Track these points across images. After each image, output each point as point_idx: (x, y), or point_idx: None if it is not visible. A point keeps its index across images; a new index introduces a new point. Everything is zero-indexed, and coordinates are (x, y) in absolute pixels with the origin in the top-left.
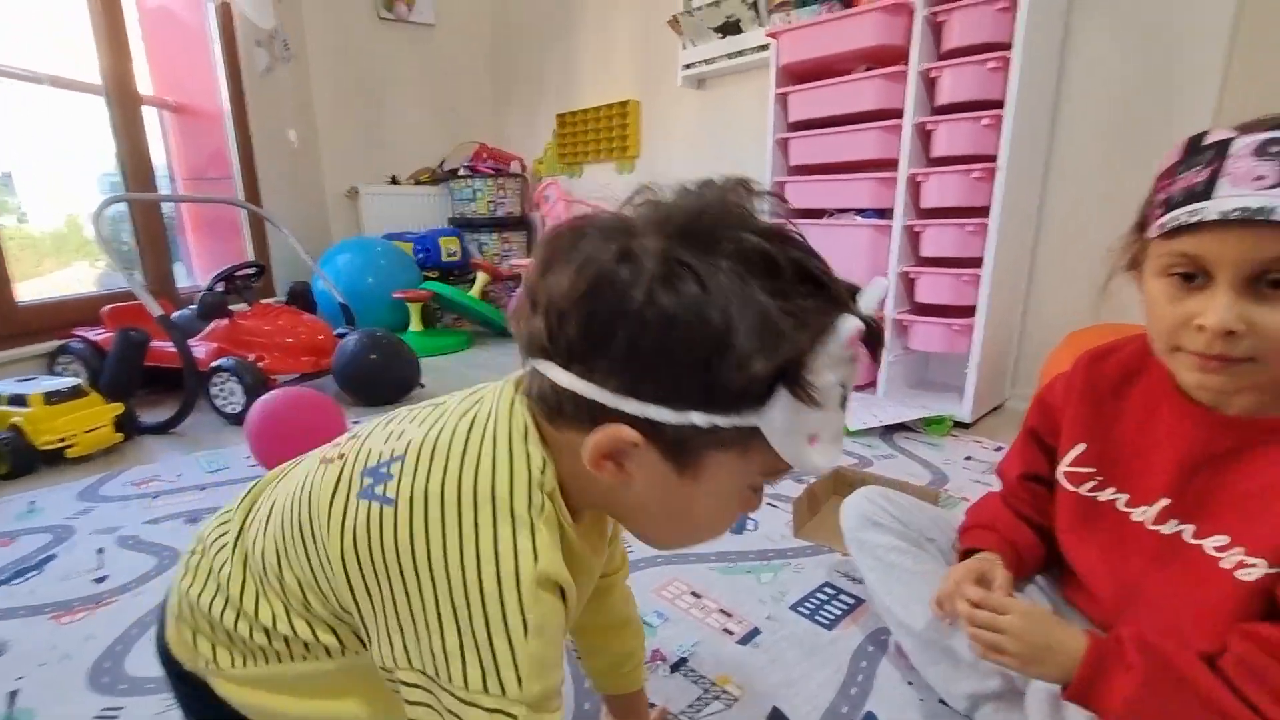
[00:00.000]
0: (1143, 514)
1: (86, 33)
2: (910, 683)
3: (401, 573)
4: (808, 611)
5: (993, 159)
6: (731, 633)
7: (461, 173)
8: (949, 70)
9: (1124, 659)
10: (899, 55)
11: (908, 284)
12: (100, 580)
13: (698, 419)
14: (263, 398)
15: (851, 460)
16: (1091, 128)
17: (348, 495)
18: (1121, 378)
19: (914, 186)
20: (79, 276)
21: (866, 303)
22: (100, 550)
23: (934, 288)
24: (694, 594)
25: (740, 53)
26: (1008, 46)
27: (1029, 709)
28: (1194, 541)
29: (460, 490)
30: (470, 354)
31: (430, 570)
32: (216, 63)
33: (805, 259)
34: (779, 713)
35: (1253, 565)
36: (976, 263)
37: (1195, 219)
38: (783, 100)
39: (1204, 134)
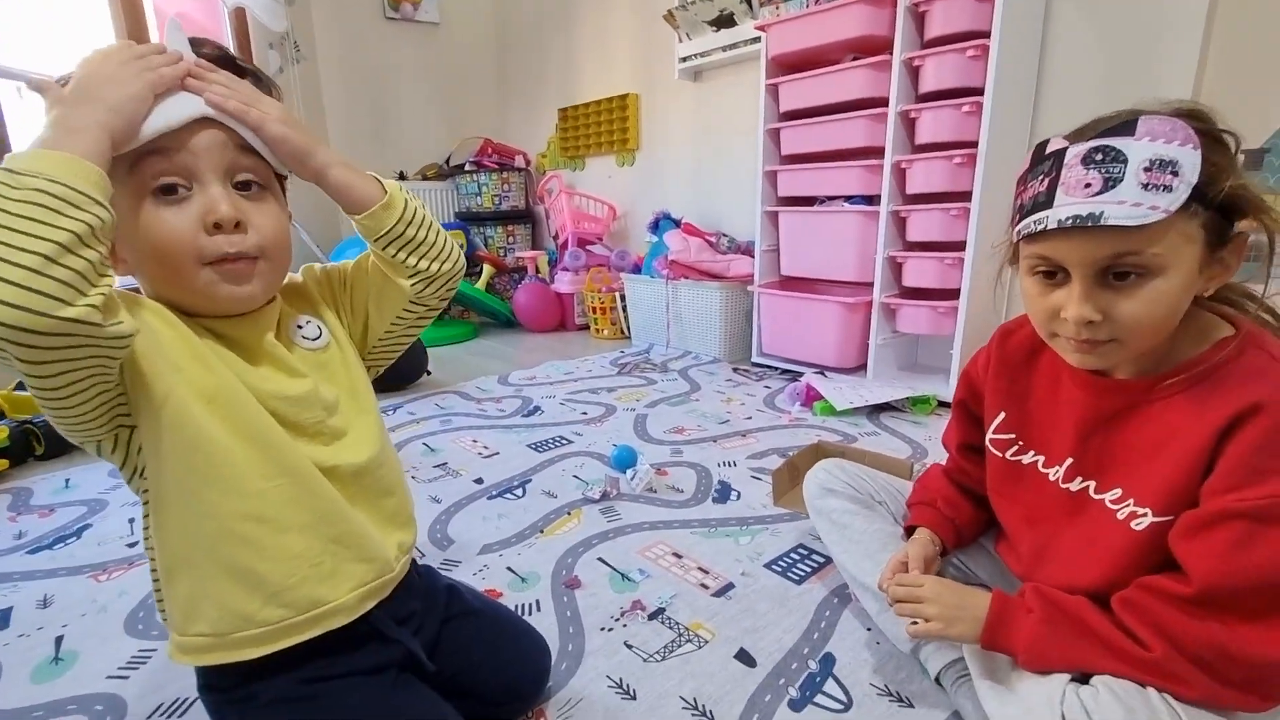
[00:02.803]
0: (1055, 473)
1: (109, 37)
2: (869, 629)
3: None
4: (780, 569)
5: (974, 145)
6: (707, 587)
7: (467, 168)
8: (931, 59)
9: (1024, 605)
10: (884, 45)
11: (895, 268)
12: (132, 545)
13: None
14: None
15: (836, 437)
16: (1071, 114)
17: None
18: (1029, 351)
19: (899, 173)
20: None
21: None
22: (131, 520)
23: (920, 272)
24: (675, 554)
25: (734, 45)
26: (987, 35)
27: (965, 650)
28: (1096, 496)
29: None
30: (475, 343)
31: None
32: None
33: None
34: (745, 652)
35: (1143, 515)
36: (960, 246)
37: (1040, 227)
38: (773, 91)
39: (1045, 143)
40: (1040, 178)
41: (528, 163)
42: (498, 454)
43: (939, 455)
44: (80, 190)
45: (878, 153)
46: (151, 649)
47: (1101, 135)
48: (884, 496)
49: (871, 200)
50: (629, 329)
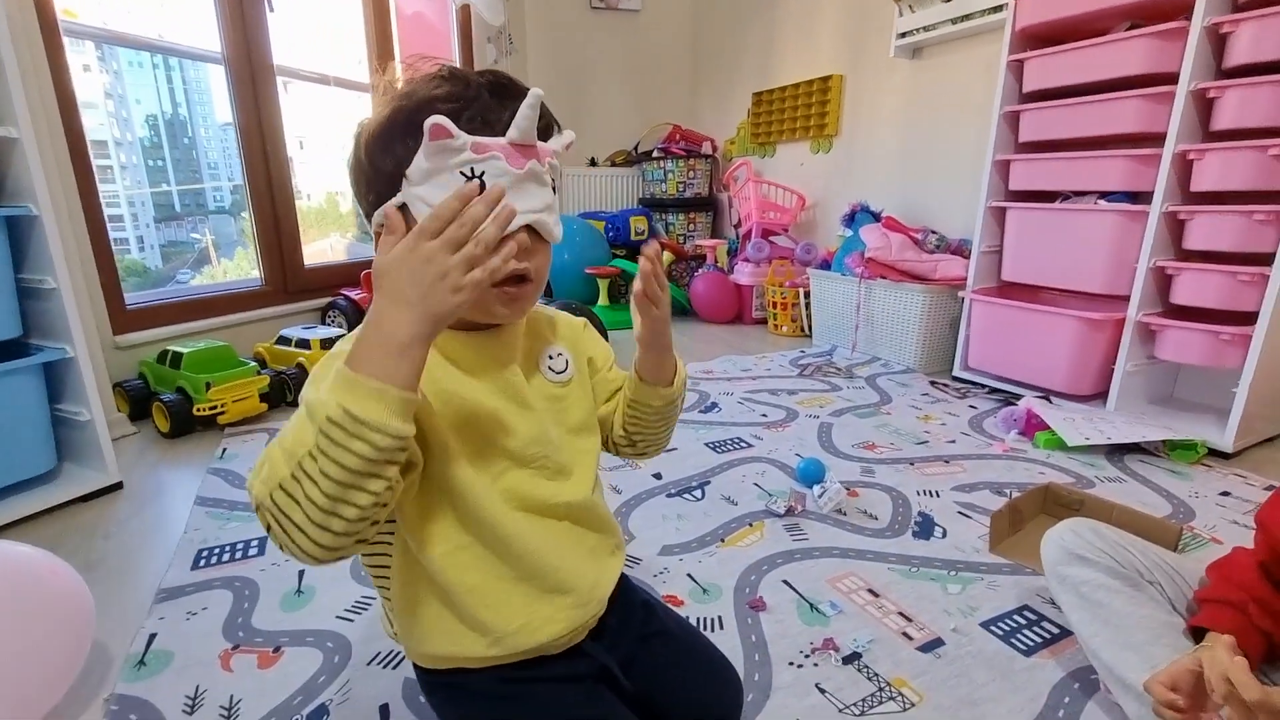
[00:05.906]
0: None
1: (359, 41)
2: None
3: None
4: (1001, 633)
5: None
6: (911, 637)
7: (655, 154)
8: (1250, 23)
9: None
10: (1177, 9)
11: (1162, 281)
12: None
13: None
14: None
15: (1066, 478)
16: None
17: None
18: None
19: (1183, 165)
20: (332, 245)
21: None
22: None
23: (1199, 288)
24: (871, 591)
25: (967, 17)
26: None
27: None
28: None
29: None
30: None
31: None
32: (454, 59)
33: None
34: None
35: None
36: (1264, 259)
37: None
38: (1016, 68)
39: None
40: None
41: (715, 150)
42: (675, 449)
43: (1208, 518)
44: (404, 440)
45: (1154, 140)
46: (370, 597)
47: None
48: (1157, 576)
49: (1137, 198)
50: (810, 328)
